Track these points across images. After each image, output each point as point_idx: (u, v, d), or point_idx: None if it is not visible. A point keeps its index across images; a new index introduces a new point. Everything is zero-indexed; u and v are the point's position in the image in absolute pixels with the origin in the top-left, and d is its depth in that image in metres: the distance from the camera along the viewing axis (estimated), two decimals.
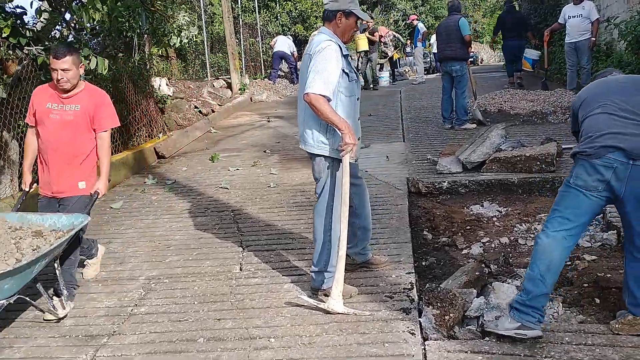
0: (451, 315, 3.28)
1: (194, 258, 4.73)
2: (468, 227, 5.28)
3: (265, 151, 8.68)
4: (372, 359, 3.10)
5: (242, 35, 17.24)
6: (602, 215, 5.04)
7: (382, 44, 16.91)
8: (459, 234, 5.15)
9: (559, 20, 11.26)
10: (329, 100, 3.50)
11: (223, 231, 5.32)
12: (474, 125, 9.03)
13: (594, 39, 10.75)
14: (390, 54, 17.61)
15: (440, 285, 3.84)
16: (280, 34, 19.23)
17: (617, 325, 3.10)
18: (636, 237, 3.12)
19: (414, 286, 3.92)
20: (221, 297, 3.97)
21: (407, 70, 20.68)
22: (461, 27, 8.55)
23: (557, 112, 9.32)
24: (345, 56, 3.64)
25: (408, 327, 3.38)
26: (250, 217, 5.68)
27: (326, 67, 3.50)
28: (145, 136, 8.67)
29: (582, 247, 4.58)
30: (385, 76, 17.17)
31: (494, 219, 5.51)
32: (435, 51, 23.76)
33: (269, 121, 11.59)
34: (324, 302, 3.63)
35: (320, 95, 3.45)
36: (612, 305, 3.59)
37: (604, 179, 3.00)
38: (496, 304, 3.57)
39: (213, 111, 11.94)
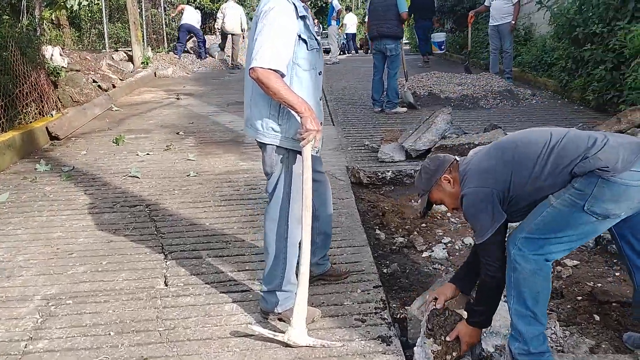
0: (454, 355, 2.61)
1: (105, 269, 3.78)
2: (423, 225, 4.68)
3: (178, 133, 7.69)
4: None
5: (143, 5, 15.77)
6: None
7: None
8: (415, 232, 4.54)
9: (484, 3, 11.02)
10: (282, 75, 2.71)
11: (138, 232, 4.38)
12: (405, 109, 8.52)
13: (513, 22, 10.62)
14: None
15: (414, 305, 3.21)
16: (185, 4, 17.86)
17: None
18: None
19: (387, 305, 3.24)
20: (145, 325, 3.09)
21: None
22: (399, 3, 7.92)
23: (487, 97, 9.00)
24: (302, 18, 2.83)
25: None
26: (169, 213, 4.76)
27: (277, 33, 2.70)
28: (36, 113, 7.38)
29: None
30: None
31: (448, 214, 4.96)
32: (349, 32, 23.37)
33: (178, 99, 10.52)
34: (282, 332, 2.87)
35: (270, 69, 2.65)
36: (615, 324, 3.10)
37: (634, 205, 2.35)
38: (493, 328, 2.97)
39: (114, 86, 10.65)
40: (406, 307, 3.25)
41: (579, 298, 3.38)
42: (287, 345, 2.82)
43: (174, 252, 4.00)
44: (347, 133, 7.44)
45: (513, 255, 2.46)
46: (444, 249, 4.20)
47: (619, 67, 7.70)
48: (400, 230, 4.59)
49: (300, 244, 2.92)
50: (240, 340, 2.92)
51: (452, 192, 2.68)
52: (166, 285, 3.53)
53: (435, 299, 2.84)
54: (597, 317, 3.19)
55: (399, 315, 3.24)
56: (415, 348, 2.70)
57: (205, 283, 3.53)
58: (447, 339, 2.67)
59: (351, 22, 23.03)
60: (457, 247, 4.23)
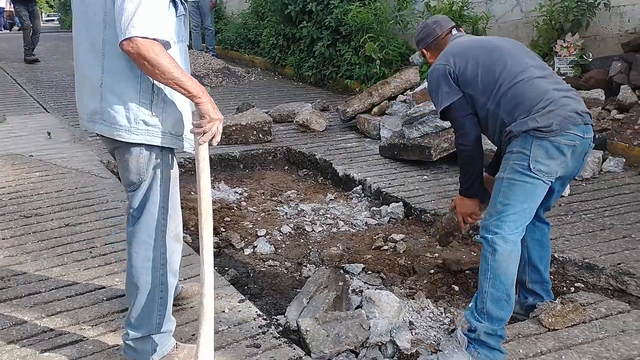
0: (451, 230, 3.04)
1: None
2: (227, 219, 4.20)
3: None
4: None
5: None
6: (361, 185, 4.67)
7: None
8: (222, 228, 4.04)
9: None
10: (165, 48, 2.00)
11: None
12: None
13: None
14: None
15: (290, 310, 2.81)
16: None
17: (549, 320, 2.66)
18: (542, 213, 2.73)
19: (270, 320, 2.76)
20: None
21: None
22: None
23: (210, 76, 8.67)
24: None
25: None
26: None
27: None
28: None
29: (371, 224, 4.10)
30: None
31: (243, 203, 4.57)
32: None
33: None
34: None
35: (154, 40, 1.93)
36: (475, 290, 3.18)
37: (566, 160, 2.41)
38: (401, 322, 2.76)
39: None
40: (285, 316, 2.82)
41: (432, 271, 3.40)
42: None
43: None
44: (72, 120, 6.29)
45: (491, 240, 2.38)
46: (267, 242, 3.81)
47: (335, 44, 8.16)
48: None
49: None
50: None
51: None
52: None
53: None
54: (456, 288, 3.25)
55: (283, 328, 2.77)
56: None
57: (10, 343, 2.50)
58: (448, 210, 3.00)
59: None
60: (280, 239, 3.90)
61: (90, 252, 3.34)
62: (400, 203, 4.18)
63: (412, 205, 4.12)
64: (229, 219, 4.19)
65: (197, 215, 2.21)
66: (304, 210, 4.35)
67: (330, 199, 4.59)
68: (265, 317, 2.76)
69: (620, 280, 3.12)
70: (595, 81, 5.50)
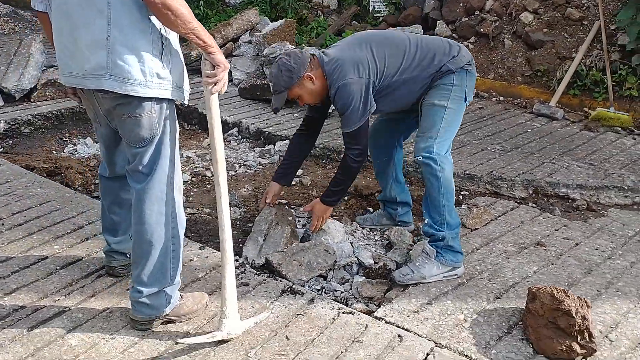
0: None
1: None
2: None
3: None
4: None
5: None
6: (236, 127, 4.77)
7: None
8: None
9: None
10: None
11: None
12: None
13: None
14: None
15: (245, 254, 2.98)
16: None
17: (471, 222, 3.20)
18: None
19: (237, 259, 2.88)
20: None
21: None
22: None
23: None
24: None
25: (333, 306, 2.51)
26: None
27: None
28: None
29: (264, 164, 4.27)
30: None
31: None
32: None
33: None
34: (206, 332, 2.26)
35: None
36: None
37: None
38: (357, 245, 3.09)
39: None
40: (244, 255, 2.96)
41: (346, 198, 3.75)
42: (221, 342, 2.25)
43: None
44: None
45: (439, 161, 2.67)
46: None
47: None
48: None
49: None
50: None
51: (313, 89, 2.75)
52: None
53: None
54: (370, 209, 3.66)
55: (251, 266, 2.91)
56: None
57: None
58: (302, 209, 3.20)
59: None
60: (183, 187, 3.89)
61: (4, 225, 3.04)
62: (287, 141, 4.41)
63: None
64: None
65: None
66: (190, 157, 4.34)
67: (208, 144, 4.62)
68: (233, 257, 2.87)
69: (496, 184, 3.82)
70: (413, 18, 6.22)
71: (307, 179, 3.96)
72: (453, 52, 2.78)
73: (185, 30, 1.95)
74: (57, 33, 2.06)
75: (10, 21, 7.75)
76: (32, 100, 4.89)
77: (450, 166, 2.77)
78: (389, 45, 2.75)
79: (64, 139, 4.63)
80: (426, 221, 2.82)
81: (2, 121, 4.48)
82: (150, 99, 2.06)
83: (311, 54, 2.77)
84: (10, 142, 4.48)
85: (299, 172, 4.05)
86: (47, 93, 4.95)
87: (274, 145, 4.44)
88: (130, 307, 2.32)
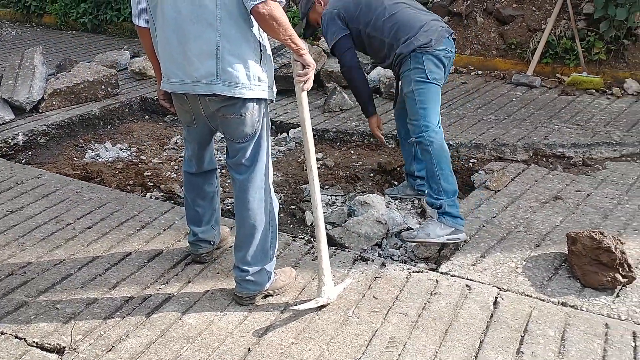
0: None
1: None
2: (148, 173, 4.22)
3: None
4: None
5: None
6: None
7: None
8: (150, 183, 4.09)
9: None
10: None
11: None
12: None
13: None
14: None
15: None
16: None
17: (494, 184, 3.61)
18: None
19: (293, 237, 3.18)
20: None
21: None
22: None
23: None
24: None
25: (403, 267, 2.86)
26: None
27: None
28: None
29: (282, 150, 4.55)
30: None
31: (143, 157, 4.58)
32: None
33: None
34: (309, 299, 2.56)
35: (277, 0, 2.19)
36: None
37: (446, 68, 3.21)
38: (404, 214, 3.44)
39: None
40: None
41: (372, 175, 4.09)
42: (322, 307, 2.56)
43: None
44: None
45: (427, 136, 3.05)
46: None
47: None
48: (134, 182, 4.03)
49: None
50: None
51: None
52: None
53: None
54: (395, 183, 4.00)
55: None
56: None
57: (106, 318, 2.50)
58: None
59: None
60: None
61: (68, 230, 3.23)
62: (299, 128, 4.70)
63: (313, 127, 4.69)
64: (150, 173, 4.22)
65: None
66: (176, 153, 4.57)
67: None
68: (292, 236, 3.17)
69: (500, 150, 4.24)
70: None
71: (329, 161, 4.27)
72: (412, 34, 3.10)
73: (285, 37, 2.23)
74: (165, 45, 2.29)
75: None
76: (40, 111, 4.98)
77: (440, 136, 3.10)
78: (371, 3, 3.23)
79: (80, 146, 4.76)
80: (426, 192, 3.19)
81: (20, 133, 4.59)
82: (252, 99, 2.33)
83: None
84: (30, 153, 4.59)
85: (320, 155, 4.37)
86: (54, 102, 5.05)
87: (287, 132, 4.72)
88: (233, 287, 2.60)
